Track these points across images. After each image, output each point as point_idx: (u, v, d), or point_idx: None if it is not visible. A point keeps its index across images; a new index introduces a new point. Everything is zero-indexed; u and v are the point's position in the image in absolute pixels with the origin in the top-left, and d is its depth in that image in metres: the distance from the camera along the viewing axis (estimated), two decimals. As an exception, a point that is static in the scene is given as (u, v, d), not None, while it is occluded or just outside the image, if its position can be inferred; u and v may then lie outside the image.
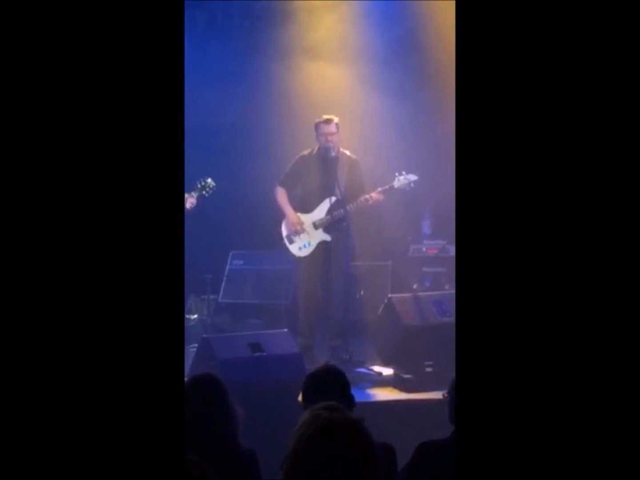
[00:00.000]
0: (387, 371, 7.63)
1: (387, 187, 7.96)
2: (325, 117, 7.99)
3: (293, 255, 8.22)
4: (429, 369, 7.29)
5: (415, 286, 9.38)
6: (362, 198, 7.92)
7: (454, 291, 8.20)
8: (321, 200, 8.07)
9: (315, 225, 8.07)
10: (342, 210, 7.92)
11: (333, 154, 7.91)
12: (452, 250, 9.37)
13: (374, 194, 7.91)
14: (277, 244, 8.50)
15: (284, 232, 8.20)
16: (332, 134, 7.93)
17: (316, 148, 8.11)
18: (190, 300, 9.56)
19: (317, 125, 8.01)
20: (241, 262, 9.72)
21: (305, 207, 8.17)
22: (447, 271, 9.31)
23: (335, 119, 7.98)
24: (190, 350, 7.99)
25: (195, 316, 9.49)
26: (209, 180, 7.74)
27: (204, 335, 7.40)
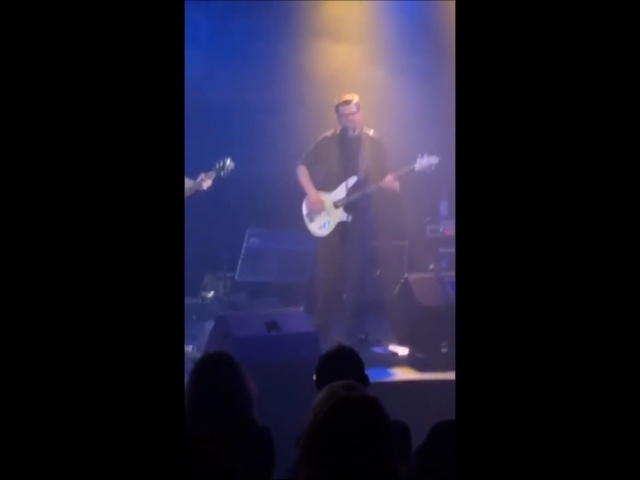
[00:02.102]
0: (403, 351, 7.65)
1: (408, 169, 7.91)
2: (345, 98, 7.95)
3: (312, 234, 8.23)
4: (444, 349, 7.29)
5: (431, 267, 9.37)
6: (379, 183, 7.90)
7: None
8: (342, 180, 8.05)
9: (336, 205, 8.06)
10: (362, 191, 7.90)
11: (353, 133, 7.90)
12: (469, 232, 9.33)
13: (388, 181, 7.88)
14: (294, 223, 8.51)
15: (305, 211, 8.20)
16: (352, 114, 7.91)
17: (339, 129, 8.09)
18: (206, 278, 9.57)
19: (337, 107, 7.98)
20: (258, 240, 9.71)
21: (326, 186, 8.15)
22: (464, 252, 9.28)
23: (355, 99, 7.94)
24: (207, 327, 8.02)
25: (212, 294, 9.50)
26: (228, 161, 7.65)
27: (220, 313, 7.43)
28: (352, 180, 8.00)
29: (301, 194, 8.25)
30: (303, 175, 8.21)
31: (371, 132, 8.07)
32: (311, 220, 8.17)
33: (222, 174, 7.62)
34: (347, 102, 7.91)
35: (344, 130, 7.94)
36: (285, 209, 8.78)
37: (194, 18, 9.84)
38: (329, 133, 8.19)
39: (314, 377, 4.22)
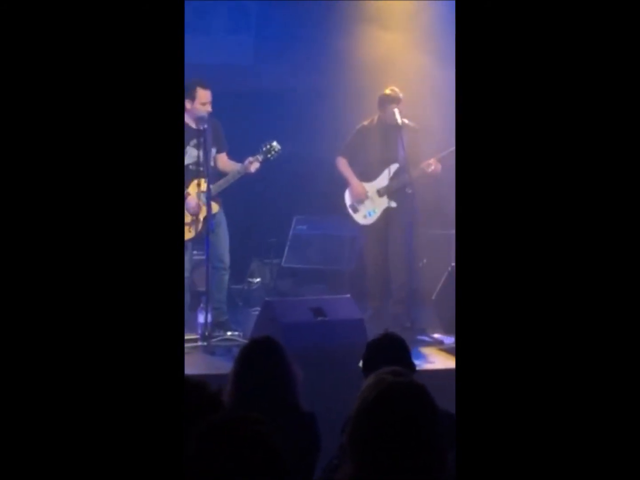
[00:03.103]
0: (449, 339, 7.62)
1: (450, 150, 7.82)
2: (396, 94, 7.92)
3: (358, 224, 8.24)
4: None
5: (478, 255, 9.31)
6: (423, 164, 7.89)
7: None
8: (384, 167, 8.06)
9: (380, 193, 8.08)
10: (405, 177, 7.88)
11: (395, 123, 7.87)
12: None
13: (433, 161, 7.87)
14: (341, 210, 8.52)
15: (348, 202, 8.23)
16: (399, 112, 7.89)
17: (376, 117, 8.11)
18: (253, 264, 9.62)
19: (384, 101, 7.95)
20: (305, 227, 9.73)
21: (368, 175, 8.17)
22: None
23: (400, 95, 7.94)
24: (253, 313, 8.06)
25: (258, 280, 9.54)
26: (274, 143, 7.64)
27: (267, 299, 7.45)
28: (394, 167, 8.00)
29: (343, 185, 8.27)
30: (343, 166, 8.23)
31: (406, 120, 8.03)
32: (355, 210, 8.20)
33: (269, 156, 7.61)
34: (398, 101, 7.90)
35: (383, 120, 7.95)
36: (333, 195, 8.79)
37: (244, 5, 9.87)
38: (365, 122, 8.21)
39: (360, 364, 4.22)
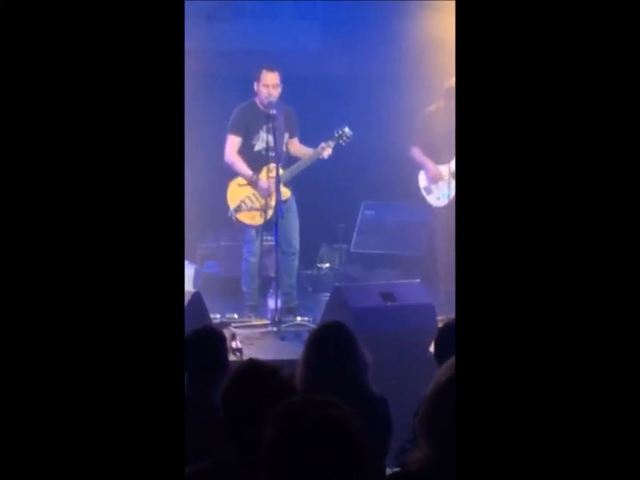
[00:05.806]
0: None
1: None
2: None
3: (430, 206, 8.29)
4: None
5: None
6: None
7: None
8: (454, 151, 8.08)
9: (454, 176, 8.08)
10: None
11: None
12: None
13: None
14: (409, 195, 8.51)
15: (422, 184, 8.30)
16: None
17: (442, 103, 8.12)
18: (322, 250, 9.65)
19: (447, 92, 7.92)
20: (373, 212, 9.73)
21: (440, 159, 8.19)
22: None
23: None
24: (322, 298, 8.09)
25: (327, 265, 9.57)
26: (346, 129, 7.66)
27: (337, 284, 7.46)
28: (466, 150, 8.00)
29: (411, 170, 8.35)
30: (417, 153, 8.31)
31: None
32: (429, 192, 8.28)
33: (341, 142, 7.64)
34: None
35: (449, 106, 7.92)
36: (401, 181, 8.77)
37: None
38: (432, 108, 8.24)
39: (431, 349, 4.22)
